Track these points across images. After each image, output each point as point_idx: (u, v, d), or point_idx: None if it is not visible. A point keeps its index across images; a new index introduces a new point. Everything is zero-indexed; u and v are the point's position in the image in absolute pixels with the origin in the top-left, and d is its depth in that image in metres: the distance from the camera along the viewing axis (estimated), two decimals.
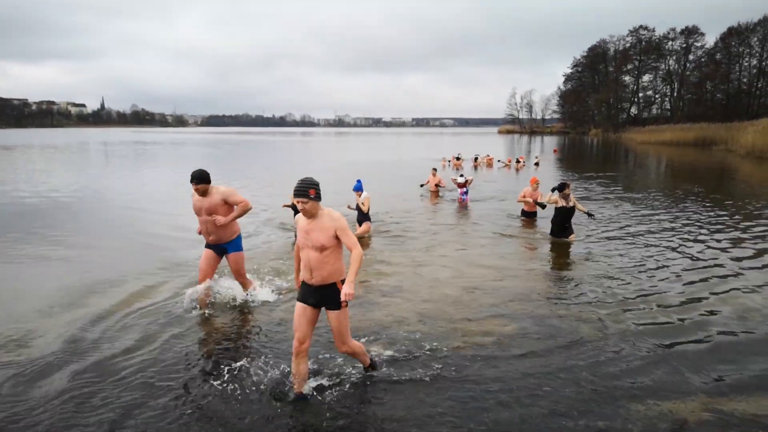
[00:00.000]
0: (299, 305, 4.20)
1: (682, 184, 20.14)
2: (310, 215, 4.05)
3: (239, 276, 6.22)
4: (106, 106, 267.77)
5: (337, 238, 4.05)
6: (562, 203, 9.61)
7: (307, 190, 3.97)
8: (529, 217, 12.39)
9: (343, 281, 4.13)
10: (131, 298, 6.50)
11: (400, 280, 7.48)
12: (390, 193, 16.97)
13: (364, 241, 9.98)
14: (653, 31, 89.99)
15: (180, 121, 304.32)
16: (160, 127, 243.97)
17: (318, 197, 4.03)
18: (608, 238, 10.23)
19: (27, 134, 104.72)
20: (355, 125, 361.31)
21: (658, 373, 4.62)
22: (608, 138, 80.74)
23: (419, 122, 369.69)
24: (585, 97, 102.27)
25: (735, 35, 76.04)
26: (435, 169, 18.19)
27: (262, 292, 6.44)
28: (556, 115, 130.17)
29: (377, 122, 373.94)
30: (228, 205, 5.87)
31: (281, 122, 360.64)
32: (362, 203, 10.34)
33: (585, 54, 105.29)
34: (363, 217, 10.39)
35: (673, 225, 11.54)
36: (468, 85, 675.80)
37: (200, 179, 5.72)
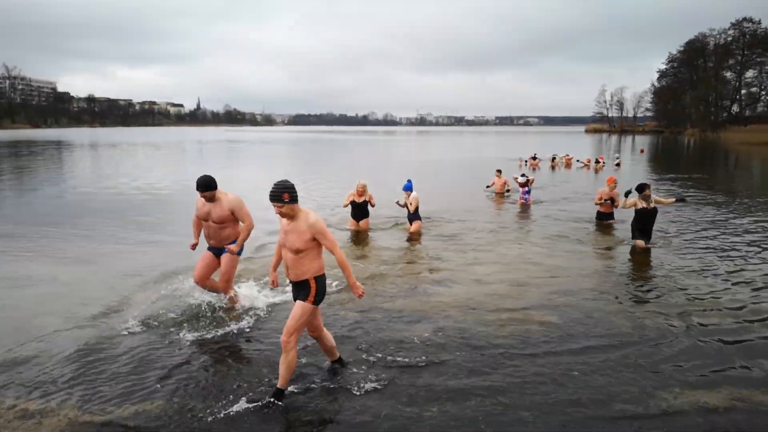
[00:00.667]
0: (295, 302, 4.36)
1: None
2: (289, 217, 4.15)
3: (224, 279, 6.10)
4: (201, 106, 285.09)
5: (314, 240, 4.15)
6: (641, 205, 9.21)
7: (281, 194, 4.05)
8: (604, 219, 11.79)
9: (315, 278, 4.25)
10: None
11: (450, 274, 7.82)
12: (455, 192, 17.22)
13: (415, 238, 10.38)
14: (759, 23, 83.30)
15: (268, 120, 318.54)
16: (250, 126, 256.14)
17: (293, 200, 4.10)
18: (686, 241, 9.89)
19: (131, 132, 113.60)
20: (437, 124, 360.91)
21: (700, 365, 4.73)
22: (705, 138, 75.82)
23: (503, 120, 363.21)
24: (681, 95, 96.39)
25: None
26: (500, 171, 17.88)
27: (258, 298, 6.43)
28: (649, 113, 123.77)
29: (459, 121, 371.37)
30: (234, 216, 5.93)
31: (364, 121, 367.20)
32: (410, 203, 10.66)
33: (681, 49, 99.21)
34: (413, 216, 10.72)
35: (757, 232, 11.00)
36: (555, 82, 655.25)
37: (206, 187, 5.70)
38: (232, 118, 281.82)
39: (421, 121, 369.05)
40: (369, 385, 4.44)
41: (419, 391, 4.38)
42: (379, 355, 5.02)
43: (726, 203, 15.03)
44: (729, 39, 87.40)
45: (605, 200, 11.51)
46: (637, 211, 9.30)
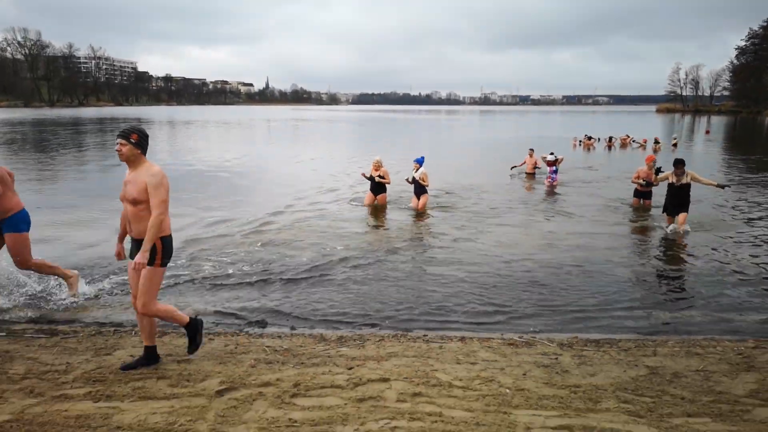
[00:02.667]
0: (129, 262, 4.18)
1: None
2: (126, 160, 3.94)
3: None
4: (269, 85, 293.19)
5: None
6: (672, 179, 9.40)
7: (130, 134, 3.89)
8: (642, 198, 11.74)
9: (162, 238, 3.96)
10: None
11: (443, 250, 8.42)
12: (483, 171, 18.25)
13: (423, 211, 11.09)
14: None
15: (333, 99, 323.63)
16: (316, 105, 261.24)
17: (139, 146, 3.92)
18: (713, 221, 10.28)
19: (205, 111, 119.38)
20: (501, 103, 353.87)
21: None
22: None
23: (570, 100, 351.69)
24: (762, 73, 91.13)
25: None
26: (532, 150, 17.68)
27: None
28: (726, 93, 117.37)
29: (524, 100, 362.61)
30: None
31: (427, 100, 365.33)
32: (422, 178, 11.17)
33: (764, 24, 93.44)
34: (420, 189, 11.28)
35: None
36: (625, 60, 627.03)
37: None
38: (299, 97, 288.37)
39: (485, 101, 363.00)
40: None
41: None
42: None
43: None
44: None
45: (644, 180, 11.23)
46: (669, 186, 9.50)
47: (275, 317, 5.62)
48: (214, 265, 7.35)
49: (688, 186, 9.35)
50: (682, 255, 8.20)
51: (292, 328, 5.31)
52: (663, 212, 9.75)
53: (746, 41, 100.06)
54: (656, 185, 10.88)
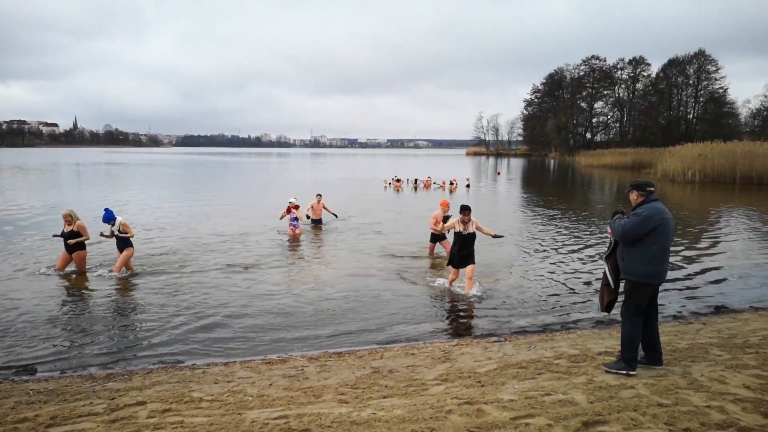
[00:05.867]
0: None
1: (575, 198, 23.45)
2: None
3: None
4: (78, 125, 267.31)
5: None
6: (459, 228, 8.71)
7: None
8: (439, 241, 11.62)
9: None
10: None
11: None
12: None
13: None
14: (605, 60, 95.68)
15: (154, 141, 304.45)
16: (134, 147, 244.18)
17: None
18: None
19: None
20: (331, 146, 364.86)
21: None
22: (564, 160, 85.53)
23: (394, 143, 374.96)
24: (545, 122, 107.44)
25: (674, 66, 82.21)
26: (320, 195, 16.27)
27: None
28: (520, 138, 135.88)
29: (353, 143, 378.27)
30: None
31: (257, 143, 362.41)
32: (121, 231, 9.86)
33: (544, 81, 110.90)
34: (125, 242, 9.91)
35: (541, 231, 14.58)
36: (438, 107, 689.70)
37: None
38: (114, 138, 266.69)
39: (315, 143, 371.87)
40: None
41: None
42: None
43: (545, 214, 18.95)
44: (581, 73, 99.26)
45: (433, 230, 11.28)
46: (456, 234, 8.81)
47: (45, 362, 5.82)
48: None
49: (474, 235, 8.80)
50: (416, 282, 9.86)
51: (62, 372, 5.57)
52: (448, 265, 9.08)
53: (531, 95, 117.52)
54: (445, 233, 10.57)
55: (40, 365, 5.75)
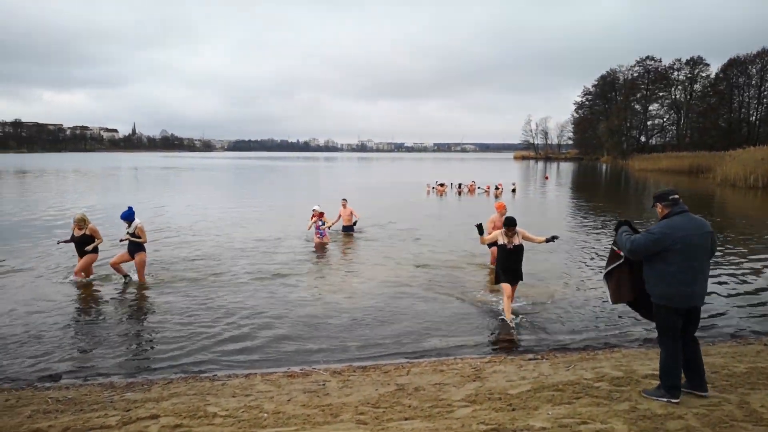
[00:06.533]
0: None
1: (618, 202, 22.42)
2: None
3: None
4: (137, 131, 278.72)
5: None
6: (502, 240, 7.65)
7: None
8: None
9: None
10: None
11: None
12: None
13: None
14: (660, 61, 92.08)
15: (207, 146, 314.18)
16: (188, 152, 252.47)
17: None
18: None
19: (61, 158, 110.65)
20: (377, 150, 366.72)
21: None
22: (616, 164, 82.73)
23: (441, 147, 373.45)
24: (596, 124, 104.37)
25: (735, 66, 78.17)
26: (345, 200, 15.84)
27: None
28: (570, 141, 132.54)
29: (399, 147, 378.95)
30: None
31: (305, 147, 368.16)
32: (135, 234, 9.60)
33: (595, 83, 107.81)
34: (137, 247, 9.62)
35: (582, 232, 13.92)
36: (486, 111, 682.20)
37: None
38: (170, 143, 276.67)
39: (362, 148, 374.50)
40: None
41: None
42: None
43: (594, 221, 18.19)
44: (635, 75, 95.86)
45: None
46: (498, 247, 7.75)
47: (70, 369, 5.81)
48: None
49: (521, 247, 7.77)
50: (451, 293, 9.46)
51: (85, 379, 5.54)
52: (496, 283, 7.92)
53: (582, 97, 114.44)
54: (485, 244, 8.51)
55: (66, 373, 5.73)
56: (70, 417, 4.46)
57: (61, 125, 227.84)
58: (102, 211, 20.04)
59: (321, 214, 13.58)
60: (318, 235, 13.50)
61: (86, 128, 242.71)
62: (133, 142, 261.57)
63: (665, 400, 4.52)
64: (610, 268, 4.97)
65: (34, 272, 10.31)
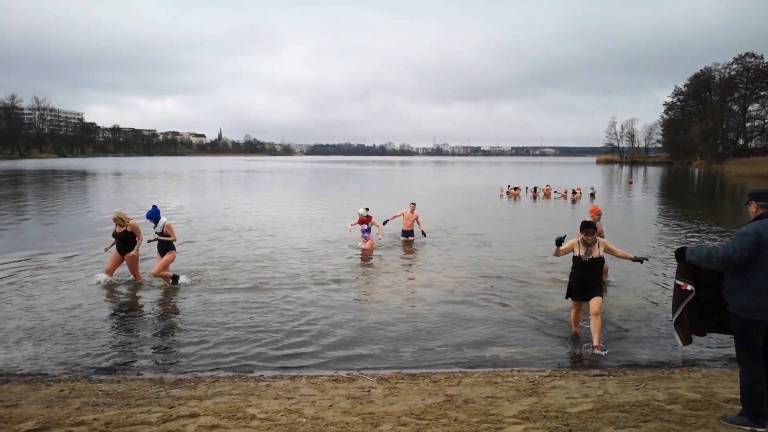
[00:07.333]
0: None
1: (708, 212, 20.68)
2: None
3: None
4: (222, 136, 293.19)
5: None
6: (578, 251, 6.60)
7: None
8: None
9: None
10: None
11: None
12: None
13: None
14: (761, 58, 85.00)
15: (287, 150, 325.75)
16: (270, 156, 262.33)
17: None
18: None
19: (153, 161, 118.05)
20: (453, 154, 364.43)
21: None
22: (710, 169, 77.12)
23: (519, 150, 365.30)
24: (688, 126, 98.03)
25: None
26: (413, 204, 14.89)
27: None
28: (659, 145, 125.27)
29: (475, 151, 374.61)
30: None
31: (381, 151, 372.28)
32: (164, 233, 9.45)
33: (687, 83, 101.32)
34: (167, 246, 9.44)
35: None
36: (565, 113, 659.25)
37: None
38: (252, 147, 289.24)
39: (438, 151, 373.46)
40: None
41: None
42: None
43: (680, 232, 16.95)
44: (733, 73, 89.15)
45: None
46: (573, 259, 6.70)
47: (124, 362, 5.95)
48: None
49: (601, 260, 6.67)
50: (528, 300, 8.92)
51: (138, 373, 5.63)
52: (567, 297, 6.97)
53: (673, 98, 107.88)
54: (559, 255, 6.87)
55: (119, 365, 5.87)
56: (115, 411, 4.50)
57: (155, 131, 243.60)
58: (191, 212, 20.94)
59: (368, 218, 13.11)
60: (363, 239, 13.08)
61: (177, 133, 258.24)
62: (219, 147, 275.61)
63: (748, 429, 3.95)
64: (679, 311, 4.46)
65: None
